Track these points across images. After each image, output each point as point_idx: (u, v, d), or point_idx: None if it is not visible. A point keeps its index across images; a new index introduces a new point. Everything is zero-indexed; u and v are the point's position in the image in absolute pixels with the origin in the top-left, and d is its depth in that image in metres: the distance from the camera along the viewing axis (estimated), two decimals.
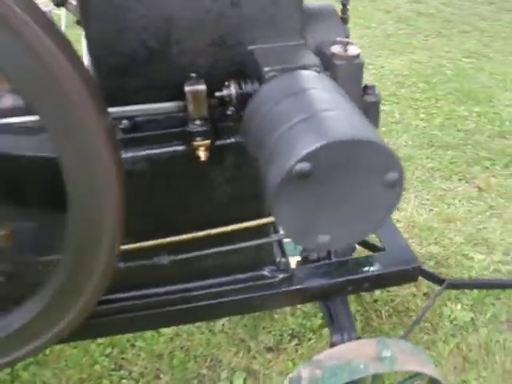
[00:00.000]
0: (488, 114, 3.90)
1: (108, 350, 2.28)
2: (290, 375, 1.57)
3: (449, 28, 5.61)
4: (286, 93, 1.05)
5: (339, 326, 1.83)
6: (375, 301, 2.47)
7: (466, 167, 3.36)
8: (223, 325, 2.38)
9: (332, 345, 1.80)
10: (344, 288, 1.71)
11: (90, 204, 1.06)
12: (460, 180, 3.26)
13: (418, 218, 2.94)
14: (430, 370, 1.55)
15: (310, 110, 0.97)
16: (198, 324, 2.38)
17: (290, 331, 2.34)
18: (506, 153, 3.47)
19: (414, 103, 4.09)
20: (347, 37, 1.39)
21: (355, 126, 0.93)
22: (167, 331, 2.35)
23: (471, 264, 2.64)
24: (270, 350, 2.28)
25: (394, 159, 0.93)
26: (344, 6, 1.45)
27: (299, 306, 2.44)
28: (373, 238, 2.16)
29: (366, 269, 1.72)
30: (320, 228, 0.98)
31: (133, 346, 2.31)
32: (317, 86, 1.07)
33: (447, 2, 6.48)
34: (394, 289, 2.51)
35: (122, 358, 2.26)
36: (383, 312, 2.42)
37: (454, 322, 2.34)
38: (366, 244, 2.21)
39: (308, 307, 2.43)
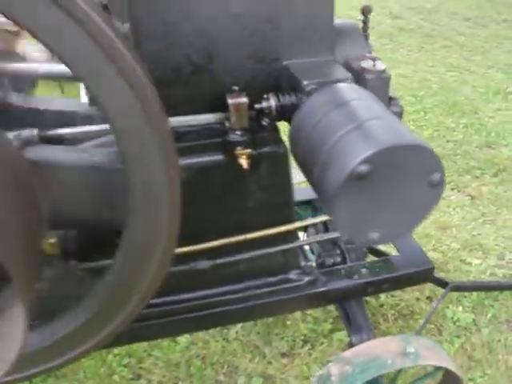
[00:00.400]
0: (474, 126, 4.07)
1: (125, 360, 2.32)
2: (319, 373, 1.65)
3: (430, 43, 5.82)
4: (332, 105, 1.14)
5: (357, 327, 1.92)
6: (381, 305, 2.57)
7: (457, 177, 3.50)
8: (237, 332, 2.44)
9: (351, 345, 1.89)
10: (365, 289, 1.80)
11: (150, 207, 1.13)
12: (452, 189, 3.40)
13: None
14: (450, 365, 1.64)
15: (358, 120, 1.07)
16: (212, 332, 2.44)
17: (302, 336, 2.41)
18: (494, 162, 3.63)
19: (403, 116, 4.23)
20: (371, 52, 1.50)
21: (403, 132, 1.03)
22: (182, 340, 2.40)
23: (469, 268, 2.76)
24: (284, 355, 2.35)
25: (439, 162, 1.03)
26: (365, 24, 1.56)
27: (309, 312, 2.52)
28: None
29: (385, 271, 1.82)
30: (371, 225, 1.07)
31: (149, 355, 2.36)
32: (358, 97, 1.16)
33: (426, 18, 6.72)
34: (398, 293, 2.61)
35: (140, 368, 2.30)
36: (389, 316, 2.51)
37: (457, 324, 2.45)
38: (374, 250, 2.32)
39: (318, 313, 2.52)
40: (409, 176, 1.03)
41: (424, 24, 6.47)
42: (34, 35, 0.84)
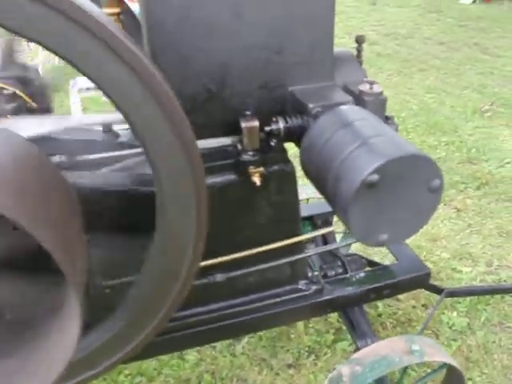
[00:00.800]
0: (455, 143, 4.28)
1: (137, 380, 2.40)
2: (330, 375, 1.76)
3: (408, 67, 6.09)
4: (339, 125, 1.28)
5: (362, 333, 2.04)
6: (379, 315, 2.69)
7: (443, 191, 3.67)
8: (243, 347, 2.54)
9: (357, 350, 2.00)
10: (368, 295, 1.93)
11: (180, 221, 1.25)
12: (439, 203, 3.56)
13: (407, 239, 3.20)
14: (452, 361, 1.77)
15: (364, 137, 1.21)
16: (219, 348, 2.53)
17: (307, 348, 2.52)
18: (476, 176, 3.82)
19: None
20: (366, 76, 1.66)
21: (405, 145, 1.18)
22: (191, 357, 2.49)
23: (460, 276, 2.91)
24: (290, 366, 2.45)
25: (438, 170, 1.18)
26: (359, 51, 1.72)
27: (311, 325, 2.63)
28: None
29: (385, 278, 1.95)
30: (380, 228, 1.21)
31: (160, 373, 2.44)
32: (361, 118, 1.31)
33: (402, 44, 7.02)
34: (395, 302, 2.74)
35: None
36: (388, 324, 2.64)
37: (453, 328, 2.58)
38: (371, 262, 2.45)
39: (320, 325, 2.63)
40: (412, 183, 1.18)
41: (400, 49, 6.76)
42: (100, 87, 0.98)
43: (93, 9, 0.91)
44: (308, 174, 1.39)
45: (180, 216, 1.23)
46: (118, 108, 1.03)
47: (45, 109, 1.81)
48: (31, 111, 1.77)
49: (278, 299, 1.81)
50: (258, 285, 1.79)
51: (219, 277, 1.67)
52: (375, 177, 1.10)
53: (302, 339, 2.56)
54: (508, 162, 4.02)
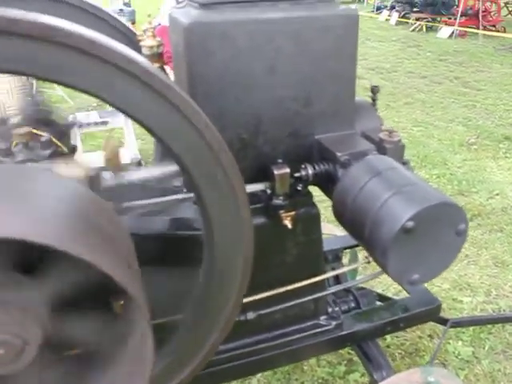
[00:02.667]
0: (446, 176, 4.46)
1: None
2: None
3: (394, 101, 6.31)
4: (371, 174, 1.40)
5: (378, 365, 2.12)
6: (388, 346, 2.78)
7: None
8: (258, 380, 2.60)
9: (373, 382, 2.09)
10: (385, 329, 2.02)
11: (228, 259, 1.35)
12: None
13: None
14: None
15: (397, 185, 1.33)
16: (234, 382, 2.59)
17: (320, 380, 2.59)
18: (468, 208, 3.97)
19: None
20: (382, 124, 1.79)
21: (435, 193, 1.30)
22: None
23: (461, 306, 3.03)
24: None
25: (464, 215, 1.29)
26: (374, 100, 1.85)
27: (323, 357, 2.70)
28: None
29: (400, 311, 2.05)
30: (413, 268, 1.32)
31: None
32: (390, 167, 1.43)
33: (386, 78, 7.28)
34: (402, 334, 2.83)
35: None
36: (397, 355, 2.73)
37: (459, 357, 2.68)
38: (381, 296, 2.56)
39: (332, 357, 2.71)
40: (441, 227, 1.29)
41: (386, 83, 7.01)
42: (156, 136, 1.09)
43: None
44: (340, 217, 1.49)
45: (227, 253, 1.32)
46: (179, 162, 1.14)
47: (71, 149, 1.89)
48: (63, 155, 1.86)
49: (301, 334, 1.89)
50: (282, 321, 1.87)
51: (250, 315, 1.75)
52: (411, 223, 1.21)
53: (316, 371, 2.64)
54: (497, 194, 4.19)
